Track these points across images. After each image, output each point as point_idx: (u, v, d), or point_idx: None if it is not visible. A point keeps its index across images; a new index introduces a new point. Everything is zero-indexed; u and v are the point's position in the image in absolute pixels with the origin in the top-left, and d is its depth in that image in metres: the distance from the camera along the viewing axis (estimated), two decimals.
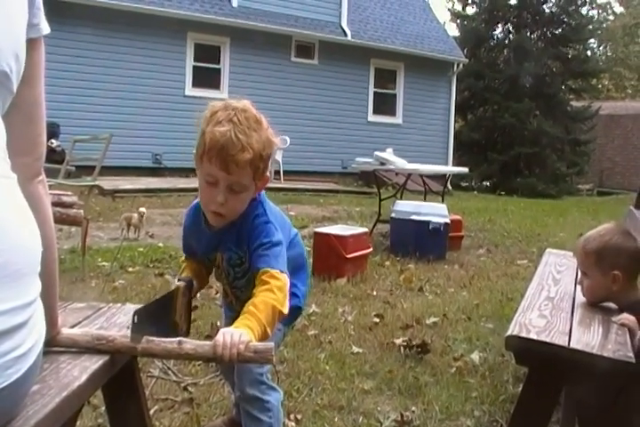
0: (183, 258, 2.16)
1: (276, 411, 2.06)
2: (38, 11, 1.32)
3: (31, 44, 1.30)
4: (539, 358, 1.87)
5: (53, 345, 1.50)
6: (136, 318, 1.53)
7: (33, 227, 1.22)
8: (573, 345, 1.84)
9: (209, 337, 3.22)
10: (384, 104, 17.80)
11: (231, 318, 1.77)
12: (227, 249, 1.98)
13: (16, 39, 1.24)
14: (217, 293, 4.44)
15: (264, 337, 1.65)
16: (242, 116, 1.80)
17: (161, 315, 1.84)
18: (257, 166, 1.82)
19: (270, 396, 2.05)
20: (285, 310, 1.76)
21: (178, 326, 1.91)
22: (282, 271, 1.81)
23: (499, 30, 24.05)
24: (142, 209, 7.13)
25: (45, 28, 1.35)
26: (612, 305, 2.32)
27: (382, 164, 8.11)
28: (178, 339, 1.56)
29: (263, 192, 2.00)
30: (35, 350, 1.18)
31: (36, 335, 1.19)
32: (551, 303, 2.31)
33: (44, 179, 1.40)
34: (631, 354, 1.80)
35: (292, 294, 2.01)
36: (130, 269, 5.40)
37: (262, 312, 1.67)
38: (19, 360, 1.12)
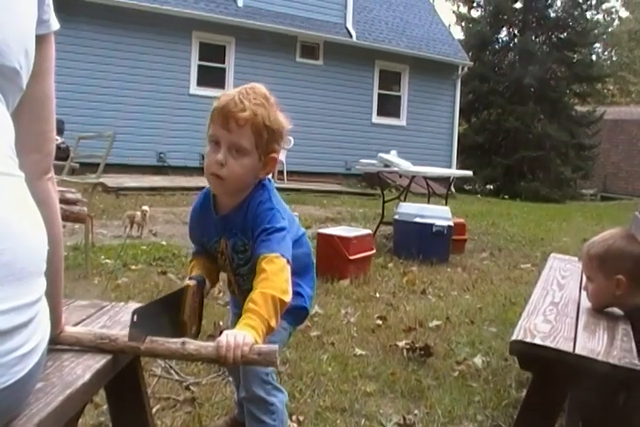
0: (191, 257, 2.15)
1: (281, 413, 2.06)
2: (48, 7, 1.32)
3: (41, 40, 1.30)
4: (543, 364, 1.86)
5: (57, 343, 1.50)
6: (135, 317, 1.52)
7: (39, 226, 1.21)
8: (578, 351, 1.83)
9: (211, 337, 3.21)
10: (388, 106, 17.78)
11: (237, 316, 1.76)
12: (232, 235, 1.96)
13: (25, 36, 1.24)
14: (220, 292, 4.44)
15: (269, 331, 1.64)
16: (250, 90, 1.89)
17: (167, 314, 1.82)
18: (259, 132, 1.84)
19: (275, 397, 2.04)
20: (287, 298, 1.72)
21: (186, 326, 1.88)
22: (282, 255, 1.79)
23: (504, 33, 24.09)
24: (145, 207, 7.13)
25: (55, 24, 1.35)
26: (617, 311, 2.31)
27: (386, 166, 8.09)
28: (182, 339, 1.54)
29: (273, 183, 2.00)
30: (39, 349, 1.18)
31: (40, 334, 1.18)
32: (556, 308, 2.30)
33: (54, 176, 1.40)
34: (637, 361, 1.79)
35: (297, 294, 2.00)
36: (133, 267, 5.40)
37: (262, 307, 1.65)
38: (23, 359, 1.12)
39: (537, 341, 1.88)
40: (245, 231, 1.93)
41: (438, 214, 6.71)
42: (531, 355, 1.87)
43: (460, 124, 20.31)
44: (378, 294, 4.98)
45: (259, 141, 1.86)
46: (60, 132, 11.27)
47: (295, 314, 2.06)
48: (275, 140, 1.90)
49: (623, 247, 2.29)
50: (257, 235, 1.86)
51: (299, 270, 2.00)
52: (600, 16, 36.30)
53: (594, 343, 1.92)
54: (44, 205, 1.28)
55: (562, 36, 23.25)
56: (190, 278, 1.95)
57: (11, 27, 1.19)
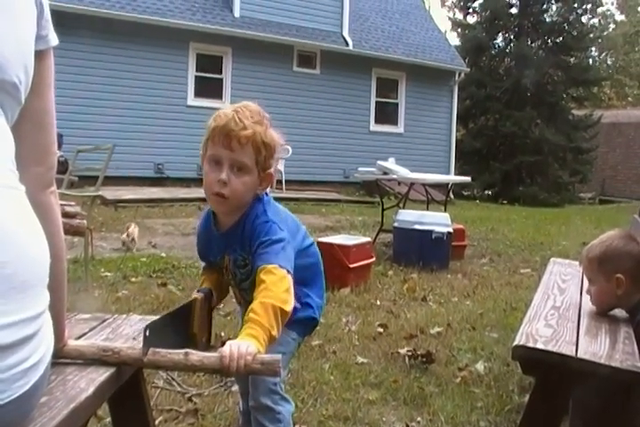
0: (201, 272, 2.18)
1: (287, 424, 2.06)
2: (47, 23, 1.33)
3: (40, 55, 1.31)
4: (546, 368, 1.87)
5: (60, 357, 1.50)
6: (148, 331, 1.52)
7: (41, 238, 1.21)
8: (581, 355, 1.83)
9: (213, 348, 3.21)
10: (386, 113, 17.80)
11: None
12: (233, 251, 1.99)
13: (24, 51, 1.25)
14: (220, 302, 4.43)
15: (271, 340, 1.64)
16: (245, 109, 1.89)
17: (177, 327, 1.83)
18: (259, 150, 1.86)
19: (283, 407, 2.05)
20: (287, 307, 1.71)
21: (196, 338, 1.91)
22: (280, 266, 1.78)
23: (500, 39, 24.17)
24: (132, 229, 7.02)
25: (54, 39, 1.36)
26: (619, 314, 2.32)
27: (385, 173, 8.10)
28: (184, 350, 1.54)
29: (270, 197, 2.02)
30: (43, 363, 1.18)
31: (44, 347, 1.18)
32: (557, 313, 2.30)
33: (56, 189, 1.40)
34: (639, 364, 1.79)
35: (306, 304, 2.04)
36: (133, 280, 5.39)
37: (262, 316, 1.65)
38: (27, 373, 1.12)
39: (539, 345, 1.88)
40: (244, 246, 1.94)
41: (437, 221, 6.71)
42: (533, 360, 1.87)
43: (457, 130, 20.33)
44: (378, 302, 4.98)
45: (258, 158, 1.88)
46: (59, 145, 11.31)
47: (305, 325, 2.08)
48: (271, 156, 1.92)
49: (621, 247, 2.31)
50: (255, 249, 1.87)
51: (307, 281, 2.01)
52: (595, 20, 36.42)
53: (596, 347, 1.93)
54: (46, 219, 1.29)
55: (558, 40, 23.37)
56: (198, 291, 1.98)
57: (9, 42, 1.20)
